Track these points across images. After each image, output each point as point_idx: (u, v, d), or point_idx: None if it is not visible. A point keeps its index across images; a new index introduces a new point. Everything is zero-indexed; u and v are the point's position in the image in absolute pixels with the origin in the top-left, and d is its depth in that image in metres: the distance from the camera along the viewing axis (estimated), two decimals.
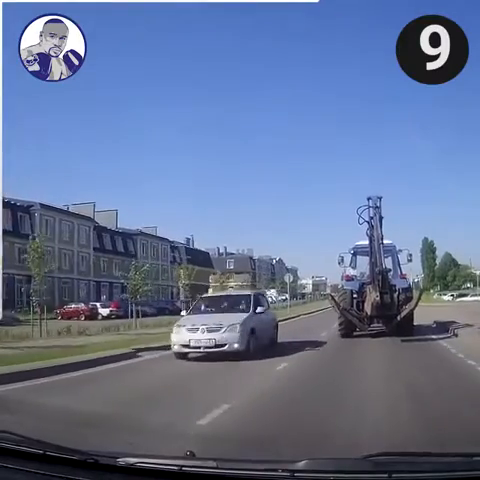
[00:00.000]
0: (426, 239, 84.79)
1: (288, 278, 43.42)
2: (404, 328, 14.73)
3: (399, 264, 17.34)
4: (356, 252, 17.79)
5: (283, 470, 1.85)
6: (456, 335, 14.75)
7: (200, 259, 66.24)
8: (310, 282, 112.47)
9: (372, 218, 14.74)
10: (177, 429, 4.97)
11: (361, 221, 14.90)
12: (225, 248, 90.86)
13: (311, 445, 4.42)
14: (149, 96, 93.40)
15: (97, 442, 3.85)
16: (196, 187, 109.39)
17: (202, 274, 51.83)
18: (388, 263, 15.93)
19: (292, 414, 5.95)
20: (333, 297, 16.21)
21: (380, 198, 14.94)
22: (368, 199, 14.97)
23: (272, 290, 72.88)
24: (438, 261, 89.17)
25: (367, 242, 15.28)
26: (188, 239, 76.46)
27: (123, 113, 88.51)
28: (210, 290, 42.29)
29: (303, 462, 1.86)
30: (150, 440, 4.31)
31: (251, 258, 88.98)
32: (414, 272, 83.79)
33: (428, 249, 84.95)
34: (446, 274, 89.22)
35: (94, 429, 4.72)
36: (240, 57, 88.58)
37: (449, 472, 1.83)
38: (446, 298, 64.99)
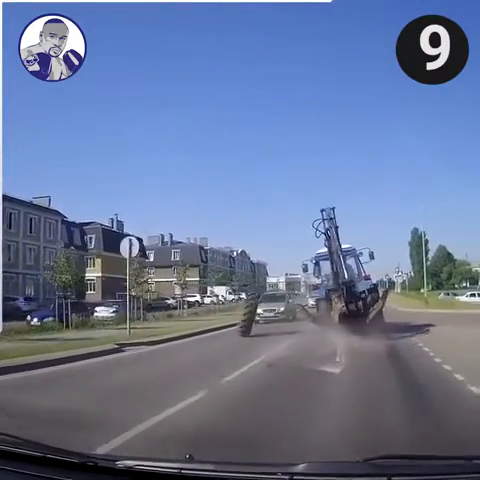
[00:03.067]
0: (416, 230, 70.36)
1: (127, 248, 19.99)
2: (375, 327, 14.51)
3: (362, 265, 17.65)
4: (318, 261, 18.10)
5: (282, 473, 1.85)
6: None
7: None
8: (283, 280, 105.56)
9: (328, 230, 15.03)
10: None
11: (318, 234, 15.17)
12: (171, 235, 73.59)
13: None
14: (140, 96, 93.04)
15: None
16: (167, 178, 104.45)
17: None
18: (350, 266, 16.44)
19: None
20: (304, 308, 17.64)
21: (333, 209, 15.27)
22: (321, 211, 15.18)
23: (221, 287, 62.51)
24: (430, 256, 75.96)
25: (326, 249, 15.75)
26: (112, 220, 58.93)
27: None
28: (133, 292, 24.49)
29: (302, 465, 1.86)
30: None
31: (202, 248, 72.73)
32: (402, 268, 73.18)
33: (419, 242, 67.91)
34: (440, 271, 79.00)
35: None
36: (239, 57, 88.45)
37: (448, 475, 1.83)
38: (465, 299, 46.69)
